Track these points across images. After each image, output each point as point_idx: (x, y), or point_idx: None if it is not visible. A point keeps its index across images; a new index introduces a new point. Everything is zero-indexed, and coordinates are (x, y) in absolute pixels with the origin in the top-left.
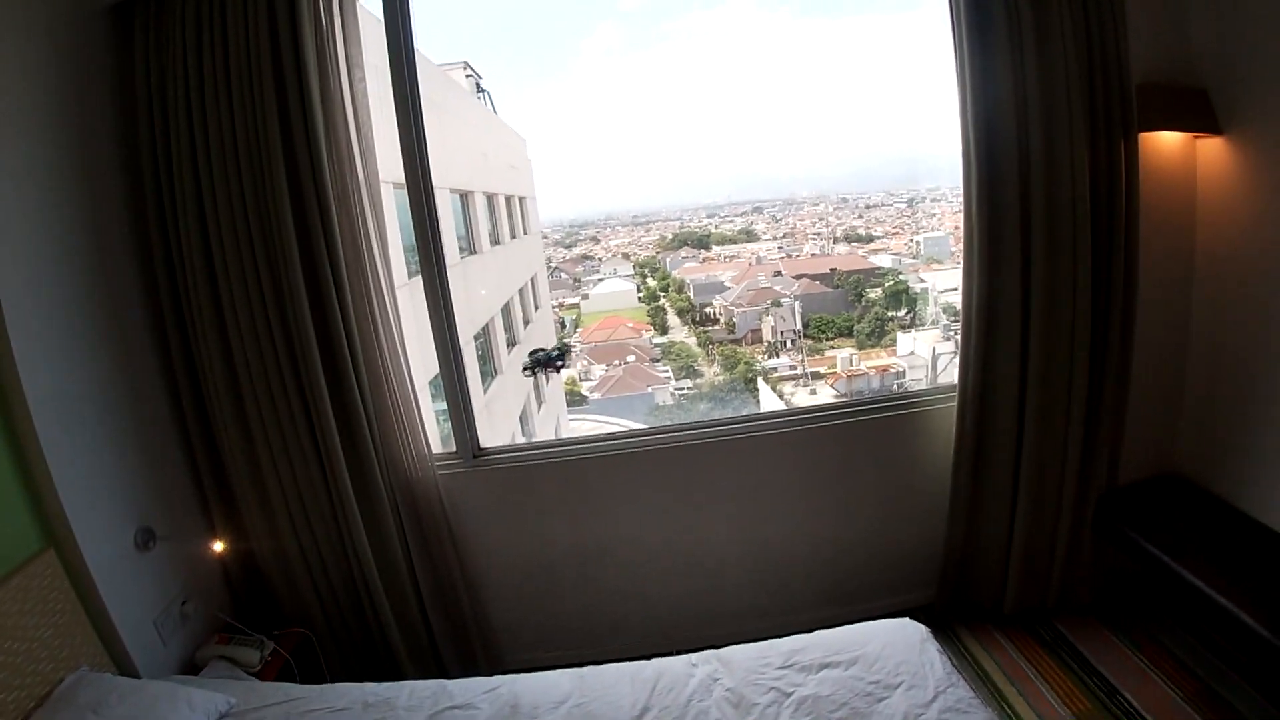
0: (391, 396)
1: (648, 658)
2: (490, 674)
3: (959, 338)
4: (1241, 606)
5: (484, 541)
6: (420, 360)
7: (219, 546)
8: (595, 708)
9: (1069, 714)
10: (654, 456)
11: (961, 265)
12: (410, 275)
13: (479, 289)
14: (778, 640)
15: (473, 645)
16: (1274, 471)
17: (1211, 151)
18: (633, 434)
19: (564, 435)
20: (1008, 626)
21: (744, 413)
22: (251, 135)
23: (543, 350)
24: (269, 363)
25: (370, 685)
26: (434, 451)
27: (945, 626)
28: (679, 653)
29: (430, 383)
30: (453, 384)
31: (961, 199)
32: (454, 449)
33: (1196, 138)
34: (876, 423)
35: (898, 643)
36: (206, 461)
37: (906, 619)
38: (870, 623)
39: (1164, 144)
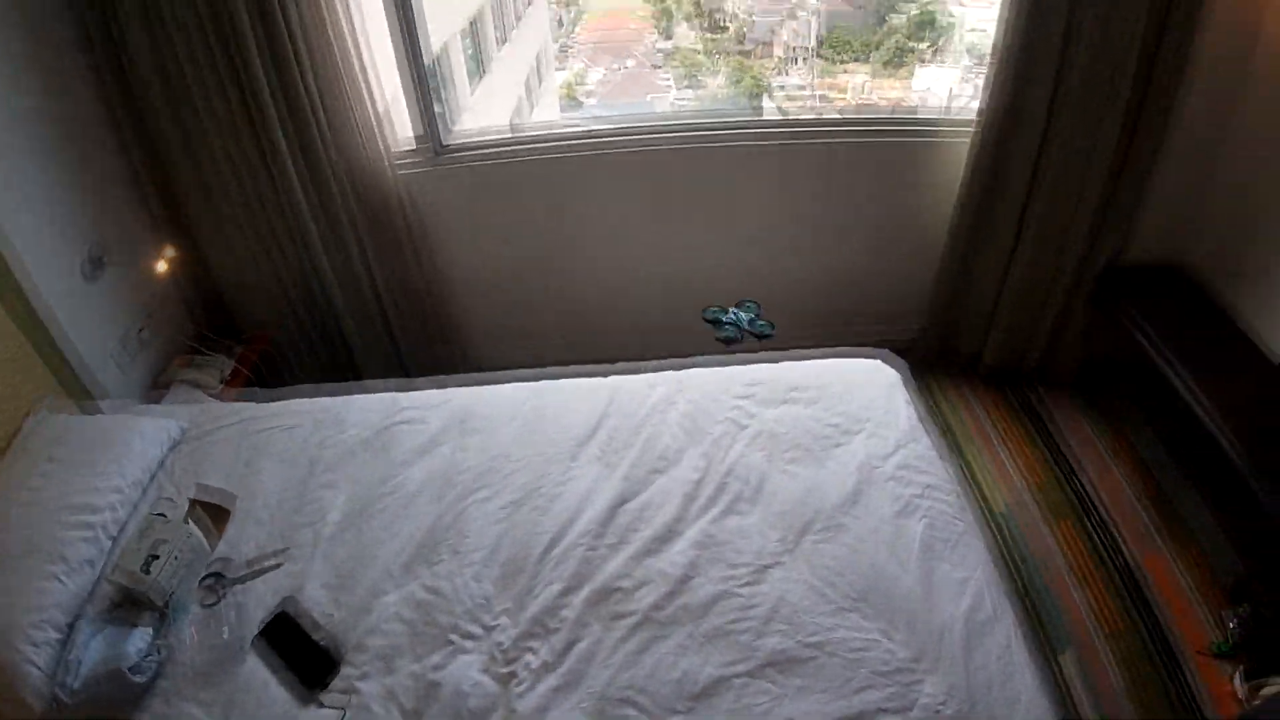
0: (344, 90)
1: (619, 364)
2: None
3: (988, 65)
4: (1210, 414)
5: (450, 243)
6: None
7: (167, 267)
8: (545, 425)
9: (1024, 484)
10: (637, 158)
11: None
12: None
13: None
14: (741, 367)
15: (436, 348)
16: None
17: None
18: (613, 129)
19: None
20: (983, 383)
21: (738, 116)
22: None
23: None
24: (202, 59)
25: (321, 400)
26: (400, 150)
27: (921, 369)
28: (650, 364)
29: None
30: (409, 68)
31: None
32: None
33: None
34: (882, 146)
35: (866, 384)
36: (149, 176)
37: (878, 361)
38: (840, 359)
39: None
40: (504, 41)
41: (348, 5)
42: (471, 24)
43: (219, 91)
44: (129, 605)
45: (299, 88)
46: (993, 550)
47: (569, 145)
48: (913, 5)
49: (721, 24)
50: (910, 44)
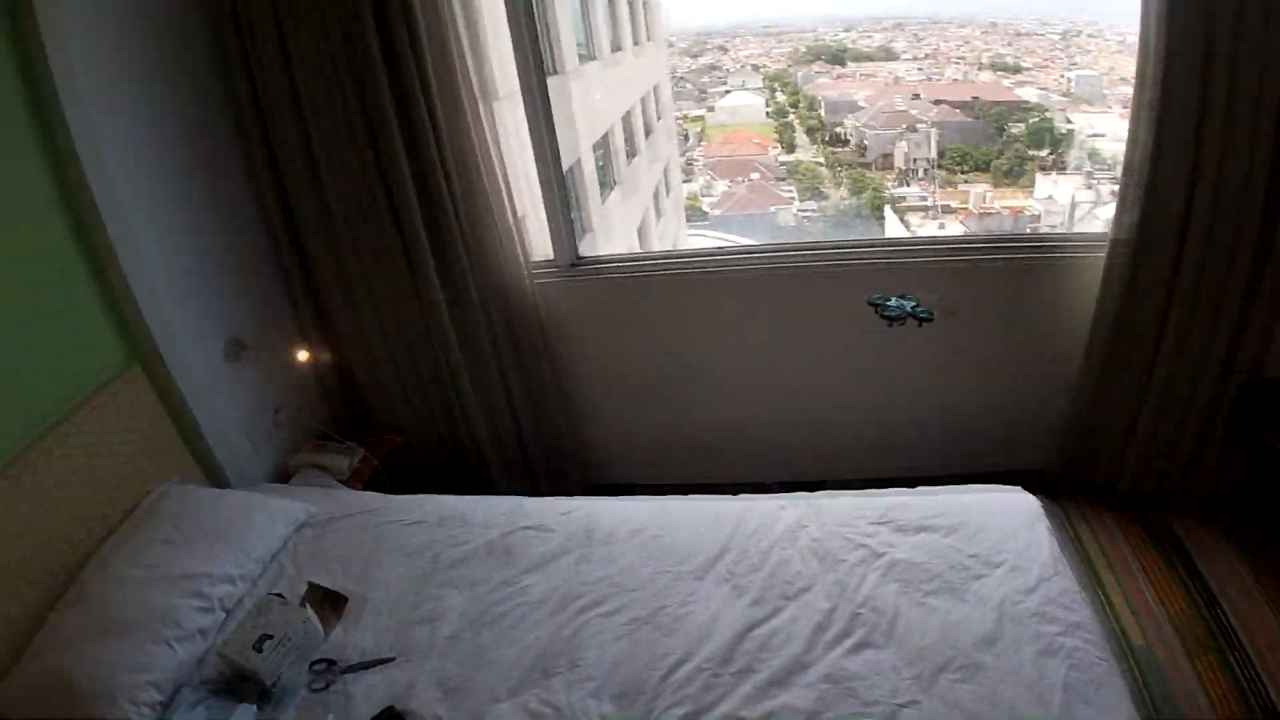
0: (485, 203)
1: (742, 486)
2: (583, 491)
3: (1118, 187)
4: None
5: (582, 354)
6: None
7: (310, 356)
8: (671, 542)
9: (1162, 612)
10: (764, 277)
11: (1131, 107)
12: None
13: (594, 95)
14: (877, 492)
15: (566, 460)
16: None
17: None
18: (741, 251)
19: (712, 246)
20: (1119, 509)
21: (863, 236)
22: None
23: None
24: (353, 165)
25: (448, 499)
26: (535, 260)
27: (1053, 496)
28: (773, 487)
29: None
30: (550, 190)
31: (1136, 35)
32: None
33: None
34: (1010, 264)
35: (1006, 516)
36: (296, 269)
37: (1020, 490)
38: (980, 487)
39: None
40: (633, 155)
41: (493, 120)
42: (604, 138)
43: (367, 192)
44: (236, 680)
45: (443, 194)
46: (1132, 689)
47: (696, 264)
48: (1031, 115)
49: (842, 138)
50: (1030, 153)
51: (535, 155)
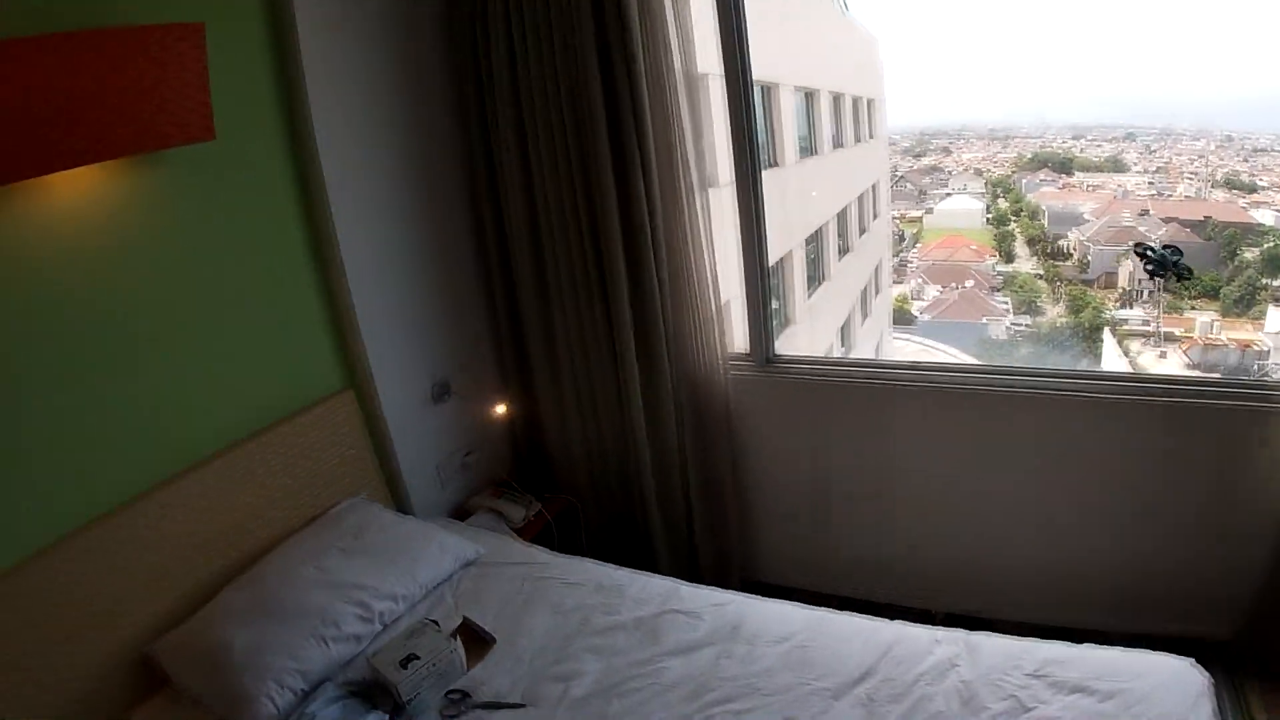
0: (690, 291)
1: (902, 609)
2: (741, 584)
3: None
4: None
5: (762, 451)
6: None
7: (507, 410)
8: (816, 655)
9: None
10: (953, 398)
11: None
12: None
13: (811, 191)
14: (1036, 642)
15: (730, 550)
16: None
17: None
18: (937, 367)
19: (883, 355)
20: None
21: (1066, 367)
22: (565, 18)
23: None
24: (571, 238)
25: (609, 568)
26: (730, 352)
27: (1234, 671)
28: (936, 615)
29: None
30: (754, 287)
31: None
32: (748, 350)
33: None
34: (1220, 411)
35: (1170, 688)
36: (508, 333)
37: (1190, 662)
38: (1147, 654)
39: None
40: (845, 251)
41: (707, 209)
42: (817, 233)
43: (581, 266)
44: (376, 689)
45: (650, 277)
46: None
47: (890, 375)
48: (1266, 239)
49: (1064, 251)
50: (1262, 281)
51: (743, 249)
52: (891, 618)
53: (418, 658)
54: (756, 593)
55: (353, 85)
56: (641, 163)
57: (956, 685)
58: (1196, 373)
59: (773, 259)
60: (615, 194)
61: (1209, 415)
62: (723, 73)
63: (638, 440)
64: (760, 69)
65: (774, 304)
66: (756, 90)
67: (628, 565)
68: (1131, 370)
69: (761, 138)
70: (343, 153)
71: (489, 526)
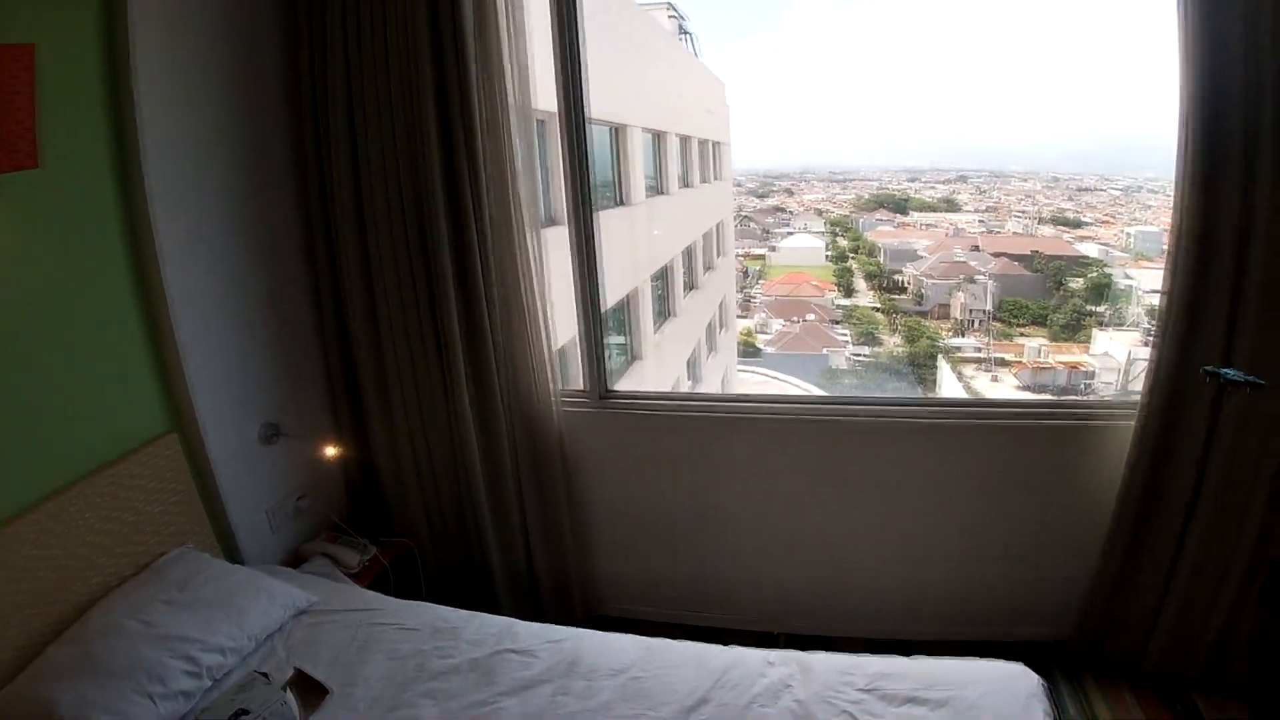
0: (524, 329)
1: (748, 634)
2: (586, 620)
3: (1139, 342)
4: None
5: (599, 486)
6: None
7: (339, 451)
8: (651, 685)
9: None
10: (790, 428)
11: (1165, 261)
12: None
13: (654, 230)
14: (869, 657)
15: (571, 587)
16: None
17: None
18: (773, 399)
19: (730, 387)
20: (1141, 688)
21: (898, 395)
22: (404, 52)
23: None
24: (404, 277)
25: (444, 610)
26: (563, 388)
27: (1073, 671)
28: (780, 638)
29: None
30: (588, 324)
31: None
32: (585, 387)
33: None
34: (1044, 430)
35: (1001, 693)
36: (340, 372)
37: (1020, 666)
38: (980, 661)
39: None
40: (692, 288)
41: (539, 247)
42: (664, 270)
43: (413, 305)
44: None
45: (483, 315)
46: None
47: (723, 407)
48: (1090, 270)
49: (900, 285)
50: (1088, 308)
51: (577, 286)
52: (735, 642)
53: (248, 712)
54: (602, 626)
55: (188, 115)
56: (474, 200)
57: (790, 706)
58: (1027, 394)
59: (620, 295)
60: (448, 231)
61: (1038, 433)
62: (560, 111)
63: (473, 479)
64: (611, 110)
65: (622, 339)
66: (606, 130)
67: (468, 606)
68: (966, 395)
69: (610, 177)
70: (173, 185)
71: (323, 573)
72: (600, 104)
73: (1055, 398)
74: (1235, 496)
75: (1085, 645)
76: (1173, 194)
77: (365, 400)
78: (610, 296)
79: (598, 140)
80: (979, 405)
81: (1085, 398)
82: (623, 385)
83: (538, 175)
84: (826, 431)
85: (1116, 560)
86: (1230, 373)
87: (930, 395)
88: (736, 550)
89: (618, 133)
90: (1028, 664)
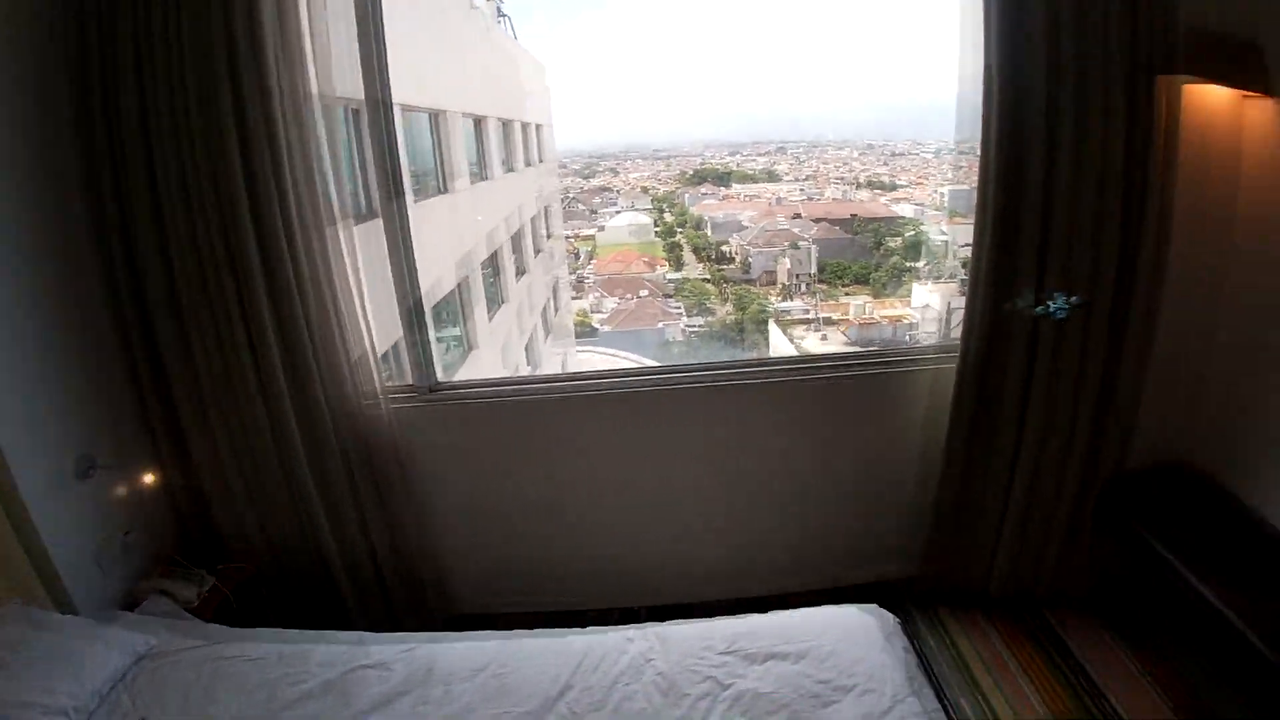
0: (340, 327)
1: (610, 612)
2: (445, 621)
3: (955, 292)
4: (1243, 617)
5: (440, 481)
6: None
7: (159, 477)
8: (512, 680)
9: (1048, 713)
10: (625, 400)
11: (975, 214)
12: (417, 199)
13: (477, 216)
14: (725, 620)
15: (424, 589)
16: None
17: (1261, 116)
18: (602, 374)
19: (569, 369)
20: (994, 611)
21: (724, 359)
22: (199, 41)
23: None
24: (211, 285)
25: (290, 633)
26: (390, 384)
27: (926, 604)
28: (641, 613)
29: (433, 308)
30: (408, 317)
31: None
32: (412, 382)
33: (1246, 97)
34: (872, 379)
35: (858, 635)
36: (152, 390)
37: (874, 607)
38: (832, 608)
39: (1209, 99)
40: (523, 272)
41: (354, 248)
42: (493, 256)
43: (223, 312)
44: None
45: (296, 315)
46: None
47: (554, 389)
48: (907, 229)
49: (728, 256)
50: (907, 264)
51: (394, 278)
52: (599, 622)
53: None
54: (463, 625)
55: None
56: (279, 193)
57: (654, 679)
58: (853, 348)
59: (450, 285)
60: (253, 224)
61: (866, 382)
62: (365, 98)
63: (306, 490)
64: (430, 96)
65: (457, 331)
66: (425, 117)
67: (320, 623)
68: (796, 353)
69: (431, 164)
70: None
71: (162, 611)
72: (417, 90)
73: (879, 348)
74: (1060, 422)
75: (934, 577)
76: (971, 165)
77: (182, 420)
78: (441, 287)
79: (418, 128)
80: (807, 361)
81: (909, 345)
82: (461, 376)
83: (355, 165)
84: (660, 400)
85: (953, 493)
86: (1056, 305)
87: (760, 356)
88: (588, 529)
89: (437, 119)
90: (882, 603)
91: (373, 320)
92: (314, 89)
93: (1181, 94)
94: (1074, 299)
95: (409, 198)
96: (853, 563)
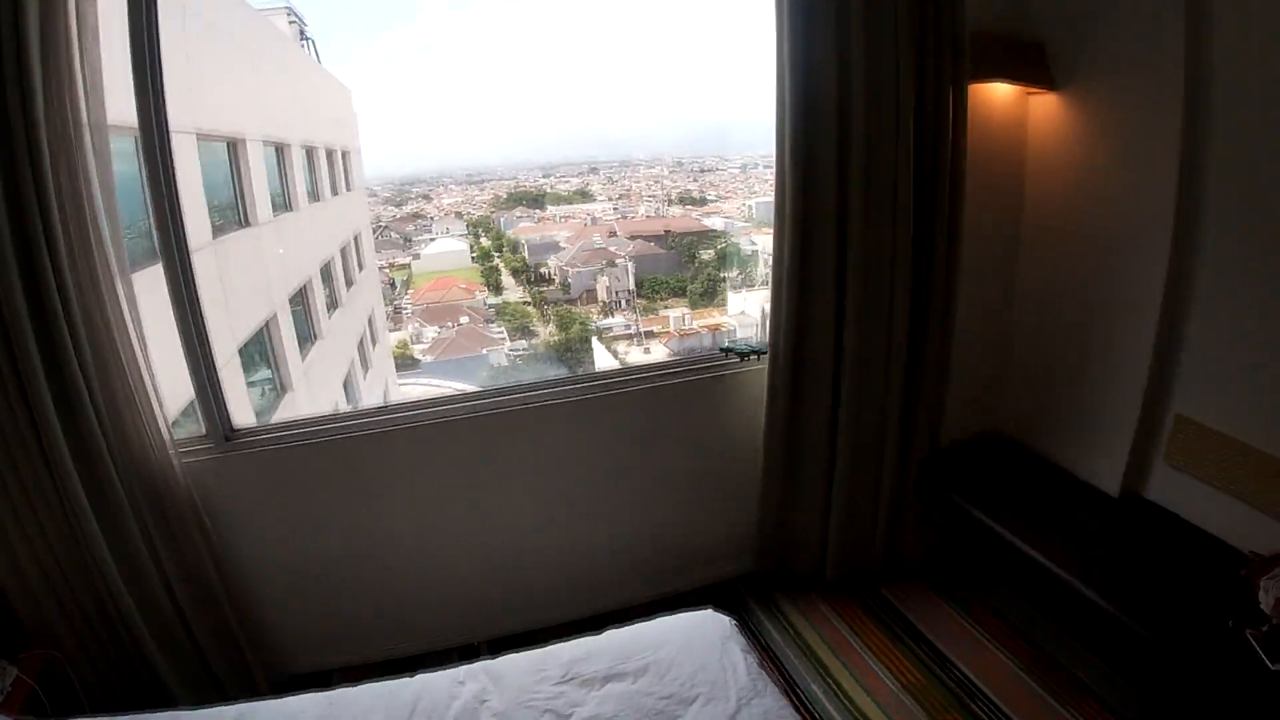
0: (124, 378)
1: (450, 652)
2: (271, 684)
3: (769, 297)
4: (1064, 566)
5: (249, 534)
6: (229, 326)
7: None
8: None
9: (898, 686)
10: (441, 430)
11: (773, 223)
12: (215, 235)
13: (278, 249)
14: (560, 645)
15: (244, 655)
16: (1092, 425)
17: (1043, 108)
18: (414, 405)
19: (378, 403)
20: (832, 594)
21: (542, 378)
22: None
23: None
24: None
25: None
26: (182, 436)
27: (766, 596)
28: (481, 648)
29: (241, 350)
30: (195, 360)
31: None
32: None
33: (1029, 93)
34: (690, 385)
35: (696, 643)
36: None
37: (709, 611)
38: (666, 618)
39: (996, 97)
40: (335, 307)
41: (132, 295)
42: (301, 291)
43: None
44: None
45: (75, 373)
46: None
47: (366, 424)
48: (719, 241)
49: (547, 277)
50: (721, 275)
51: (178, 322)
52: (439, 663)
53: None
54: (298, 686)
55: None
56: (46, 234)
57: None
58: (673, 357)
59: (256, 324)
60: (19, 273)
61: (687, 389)
62: (139, 125)
63: (101, 559)
64: (226, 123)
65: (268, 373)
66: (220, 145)
67: (137, 704)
68: (618, 366)
69: (230, 196)
70: None
71: None
72: (211, 116)
73: (693, 355)
74: (870, 413)
75: (769, 570)
76: (774, 178)
77: None
78: (245, 326)
79: (212, 158)
80: (623, 374)
81: (709, 351)
82: (276, 420)
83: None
84: (479, 427)
85: (776, 489)
86: (740, 345)
87: (577, 373)
88: (417, 569)
89: (235, 147)
90: (721, 603)
91: (160, 370)
92: (84, 117)
93: (969, 93)
94: (754, 347)
95: (207, 233)
96: (690, 569)
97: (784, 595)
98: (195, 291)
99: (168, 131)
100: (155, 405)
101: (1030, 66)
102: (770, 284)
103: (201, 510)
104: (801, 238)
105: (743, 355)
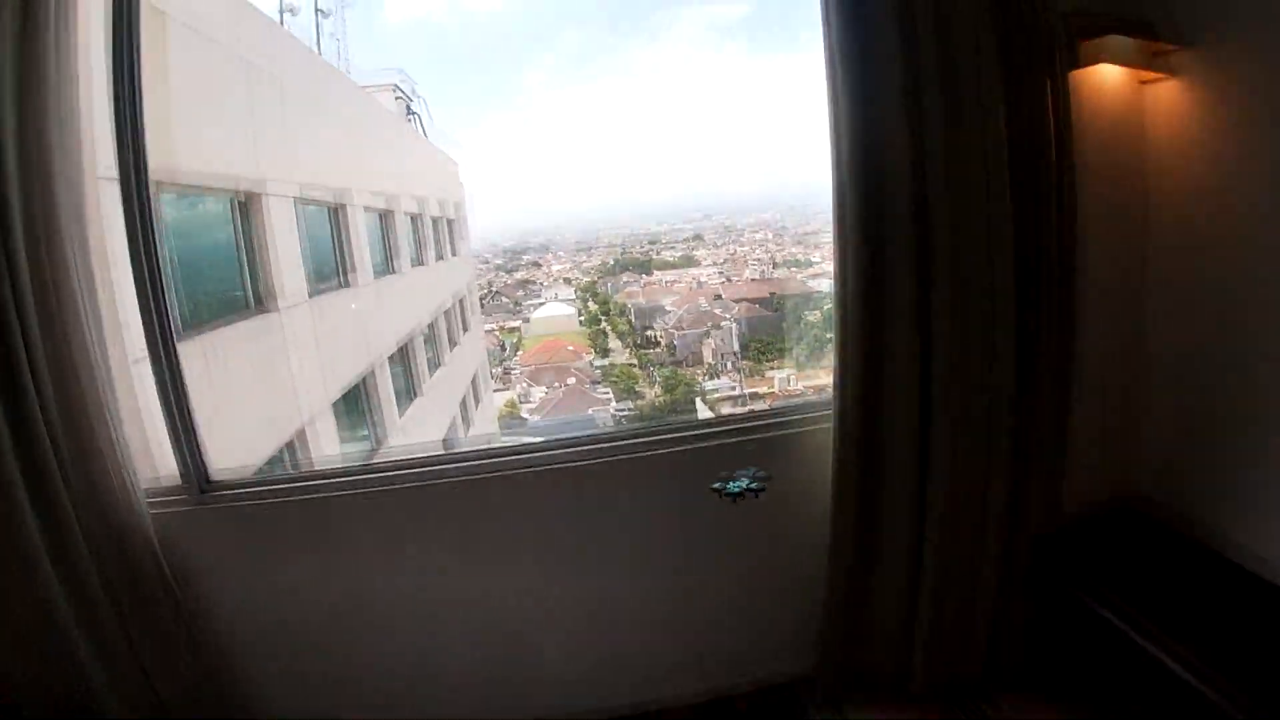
0: (86, 415)
1: None
2: None
3: (835, 341)
4: (1219, 687)
5: (222, 599)
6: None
7: None
8: None
9: None
10: (436, 492)
11: (834, 252)
12: (311, 294)
13: (373, 308)
14: None
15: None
16: (1262, 493)
17: (1164, 97)
18: (405, 463)
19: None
20: (918, 706)
21: (584, 433)
22: None
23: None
24: None
25: None
26: (155, 486)
27: (835, 704)
28: None
29: (336, 401)
30: (168, 403)
31: None
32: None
33: (1143, 81)
34: (739, 447)
35: None
36: None
37: None
38: None
39: (1105, 82)
40: (438, 365)
41: (99, 331)
42: (401, 351)
43: None
44: None
45: (43, 439)
46: None
47: (355, 481)
48: (825, 301)
49: (653, 340)
50: (826, 335)
51: (152, 368)
52: None
53: None
54: None
55: None
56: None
57: None
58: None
59: (352, 380)
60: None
61: (740, 451)
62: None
63: (64, 622)
64: (330, 189)
65: (365, 430)
66: (322, 211)
67: None
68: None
69: (331, 258)
70: None
71: None
72: (315, 181)
73: (760, 409)
74: (968, 475)
75: (836, 672)
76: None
77: None
78: (340, 380)
79: (314, 220)
80: (662, 431)
81: (777, 408)
82: (257, 474)
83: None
84: (473, 490)
85: (843, 572)
86: (734, 486)
87: (571, 436)
88: (408, 639)
89: (336, 212)
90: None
91: (121, 412)
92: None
93: (1070, 81)
94: (753, 485)
95: (303, 292)
96: (740, 666)
97: (854, 706)
98: (170, 332)
99: (147, 184)
100: (118, 448)
101: (1138, 48)
102: (834, 324)
103: (170, 567)
104: (868, 259)
105: (735, 497)
